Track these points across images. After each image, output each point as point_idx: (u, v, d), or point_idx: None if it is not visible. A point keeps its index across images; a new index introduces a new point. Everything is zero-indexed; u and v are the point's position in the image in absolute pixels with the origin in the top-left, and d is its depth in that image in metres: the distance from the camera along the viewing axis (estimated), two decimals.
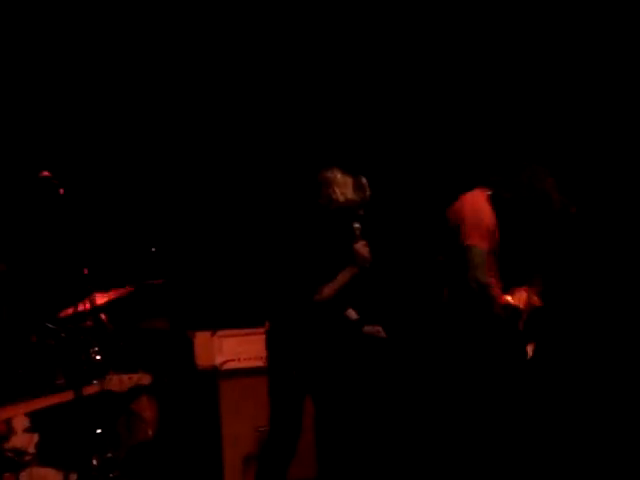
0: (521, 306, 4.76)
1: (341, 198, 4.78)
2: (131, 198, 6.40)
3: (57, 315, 5.31)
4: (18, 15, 6.02)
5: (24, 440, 4.57)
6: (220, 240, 6.54)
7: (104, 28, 6.23)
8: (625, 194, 6.08)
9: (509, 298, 4.76)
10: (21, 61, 6.05)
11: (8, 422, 4.54)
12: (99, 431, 4.94)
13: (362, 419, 5.52)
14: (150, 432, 5.41)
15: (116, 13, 6.21)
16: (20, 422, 4.59)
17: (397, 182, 6.36)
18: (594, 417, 5.69)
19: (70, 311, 5.17)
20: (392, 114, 6.56)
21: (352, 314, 5.08)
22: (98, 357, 4.97)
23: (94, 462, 4.81)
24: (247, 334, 5.87)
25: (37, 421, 4.68)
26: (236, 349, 5.87)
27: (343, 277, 4.74)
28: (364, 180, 4.82)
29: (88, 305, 4.88)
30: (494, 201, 4.75)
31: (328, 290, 4.72)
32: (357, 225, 4.78)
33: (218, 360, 5.82)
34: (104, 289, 5.45)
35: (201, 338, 5.88)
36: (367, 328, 5.08)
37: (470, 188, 4.88)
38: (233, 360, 5.84)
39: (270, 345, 4.85)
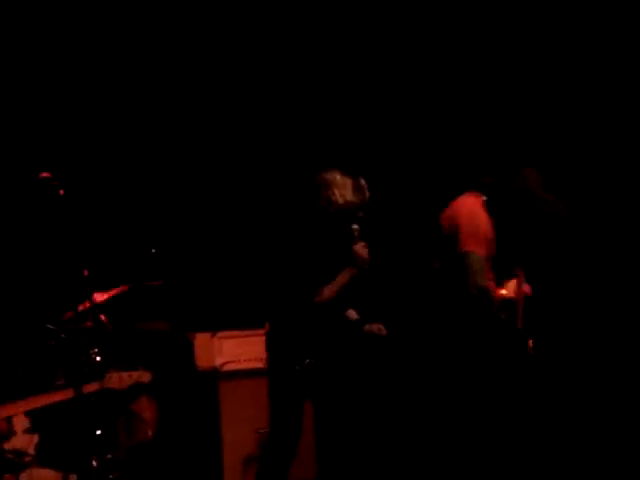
0: (515, 296, 4.78)
1: (340, 200, 4.78)
2: (131, 199, 6.39)
3: (57, 316, 5.31)
4: (17, 17, 6.02)
5: (24, 441, 4.56)
6: (220, 241, 6.54)
7: (102, 29, 6.23)
8: (616, 193, 6.10)
9: (503, 291, 4.78)
10: (20, 62, 6.05)
11: (9, 421, 4.53)
12: (99, 432, 4.93)
13: (362, 420, 5.51)
14: (150, 433, 5.41)
15: (114, 14, 6.21)
16: (20, 423, 4.58)
17: (394, 183, 6.36)
18: (593, 414, 5.69)
19: (70, 312, 5.16)
20: (388, 115, 6.57)
21: (352, 314, 5.08)
22: (98, 358, 4.96)
23: (94, 463, 4.80)
24: (247, 335, 5.87)
25: (37, 422, 4.67)
26: (236, 350, 5.87)
27: (342, 278, 4.75)
28: (363, 182, 4.82)
29: (88, 304, 4.88)
30: (489, 206, 4.76)
31: (328, 291, 4.72)
32: (356, 227, 4.78)
33: (218, 361, 5.82)
34: (103, 289, 5.44)
35: (201, 339, 5.87)
36: (368, 327, 5.08)
37: (461, 191, 4.89)
38: (233, 361, 5.84)
39: (270, 346, 4.85)
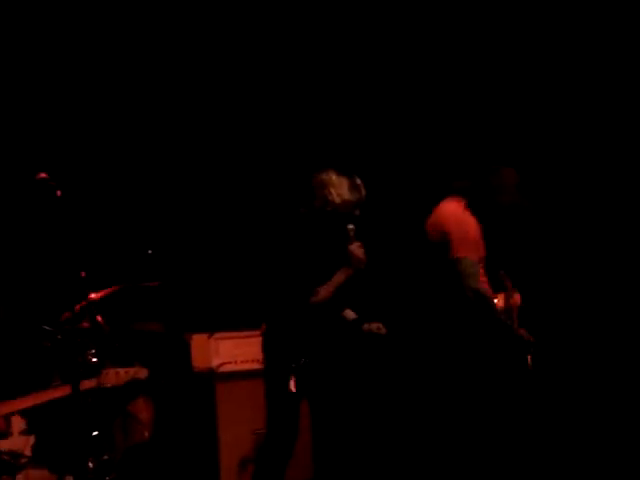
0: (508, 305, 4.81)
1: (337, 199, 4.79)
2: (128, 200, 6.40)
3: (54, 317, 5.30)
4: (14, 18, 6.02)
5: (20, 442, 4.55)
6: (216, 242, 6.54)
7: (97, 32, 6.24)
8: (595, 193, 6.16)
9: (495, 301, 4.81)
10: (17, 64, 6.05)
11: (7, 419, 4.52)
12: (95, 433, 4.93)
13: (359, 421, 5.51)
14: (146, 434, 5.40)
15: (109, 17, 6.22)
16: (16, 424, 4.57)
17: (388, 182, 6.37)
18: (590, 415, 5.72)
19: (67, 313, 5.16)
20: (378, 117, 6.62)
21: (350, 314, 5.08)
22: (94, 359, 4.96)
23: (90, 464, 4.79)
24: (244, 336, 5.87)
25: (33, 423, 4.66)
26: (233, 351, 5.87)
27: (338, 278, 4.75)
28: (359, 181, 4.83)
29: (84, 303, 4.88)
30: (471, 208, 4.77)
31: (324, 291, 4.72)
32: (351, 226, 4.79)
33: (215, 362, 5.82)
34: (99, 290, 5.44)
35: (198, 340, 5.87)
36: (367, 326, 5.08)
37: (439, 195, 4.90)
38: (230, 363, 5.84)
39: (266, 347, 4.85)
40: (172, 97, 6.47)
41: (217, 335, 5.88)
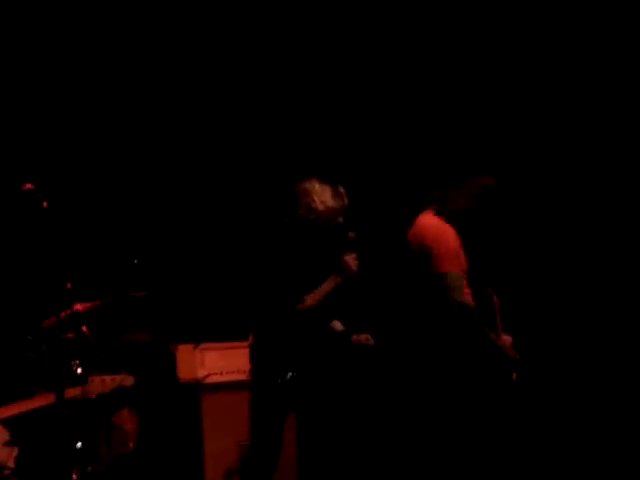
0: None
1: (321, 206, 4.79)
2: (114, 211, 6.39)
3: (39, 328, 5.28)
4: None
5: (3, 454, 4.53)
6: (202, 252, 6.53)
7: (91, 37, 6.24)
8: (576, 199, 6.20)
9: None
10: (2, 72, 6.04)
11: None
12: (79, 444, 4.90)
13: (346, 433, 5.51)
14: (131, 445, 5.37)
15: (103, 22, 6.22)
16: (0, 436, 4.55)
17: (369, 190, 6.39)
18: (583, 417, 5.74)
19: (52, 318, 5.14)
20: (358, 126, 6.63)
21: (337, 325, 5.07)
22: (79, 370, 4.94)
23: (74, 476, 4.77)
24: (230, 347, 5.86)
25: (16, 435, 4.64)
26: (218, 363, 5.85)
27: (326, 286, 4.74)
28: (341, 188, 4.83)
29: (68, 312, 4.86)
30: (447, 218, 4.76)
31: (311, 299, 4.71)
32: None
33: (200, 373, 5.80)
34: (84, 300, 5.42)
35: (183, 351, 5.86)
36: (356, 337, 5.07)
37: (420, 203, 4.90)
38: (215, 374, 5.83)
39: (253, 359, 4.84)
40: (155, 110, 6.48)
41: (203, 346, 5.87)
